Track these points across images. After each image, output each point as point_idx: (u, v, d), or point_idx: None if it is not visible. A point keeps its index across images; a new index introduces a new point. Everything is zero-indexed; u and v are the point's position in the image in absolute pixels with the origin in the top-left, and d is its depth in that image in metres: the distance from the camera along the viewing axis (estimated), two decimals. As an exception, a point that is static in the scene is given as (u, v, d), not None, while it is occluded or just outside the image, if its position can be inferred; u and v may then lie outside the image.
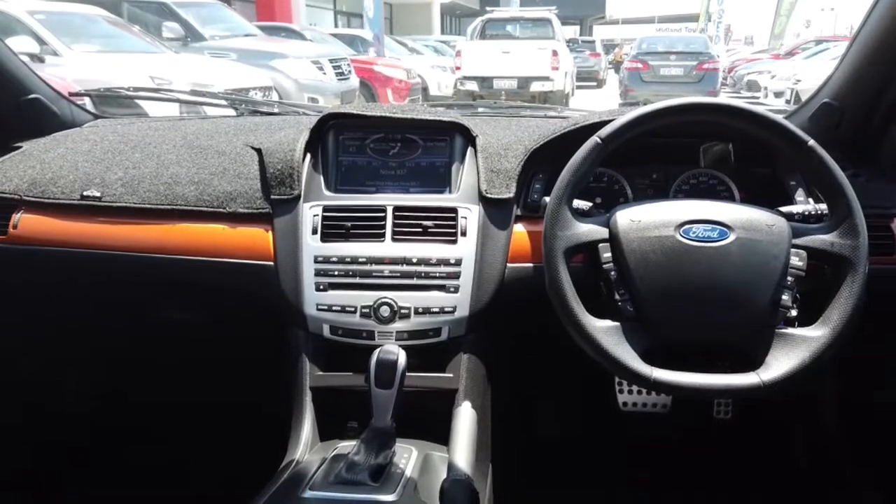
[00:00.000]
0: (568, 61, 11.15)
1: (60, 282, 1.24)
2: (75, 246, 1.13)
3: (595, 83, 18.72)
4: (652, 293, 0.90)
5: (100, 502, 0.95)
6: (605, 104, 12.35)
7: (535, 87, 10.13)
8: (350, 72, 8.49)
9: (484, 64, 10.22)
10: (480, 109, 1.56)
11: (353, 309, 1.03)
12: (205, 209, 1.11)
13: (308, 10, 18.12)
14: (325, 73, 7.82)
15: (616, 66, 22.02)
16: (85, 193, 1.13)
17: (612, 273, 0.93)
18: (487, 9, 12.51)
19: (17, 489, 1.18)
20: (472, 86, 10.29)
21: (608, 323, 0.92)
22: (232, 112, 1.73)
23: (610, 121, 0.96)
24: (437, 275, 1.04)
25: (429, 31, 22.44)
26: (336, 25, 20.25)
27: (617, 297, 0.92)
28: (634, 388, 1.49)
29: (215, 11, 8.64)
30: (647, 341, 0.91)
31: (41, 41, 4.92)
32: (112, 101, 1.50)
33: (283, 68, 7.34)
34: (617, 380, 1.51)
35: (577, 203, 0.99)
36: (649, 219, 0.93)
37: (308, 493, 0.85)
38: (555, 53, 10.16)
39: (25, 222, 1.15)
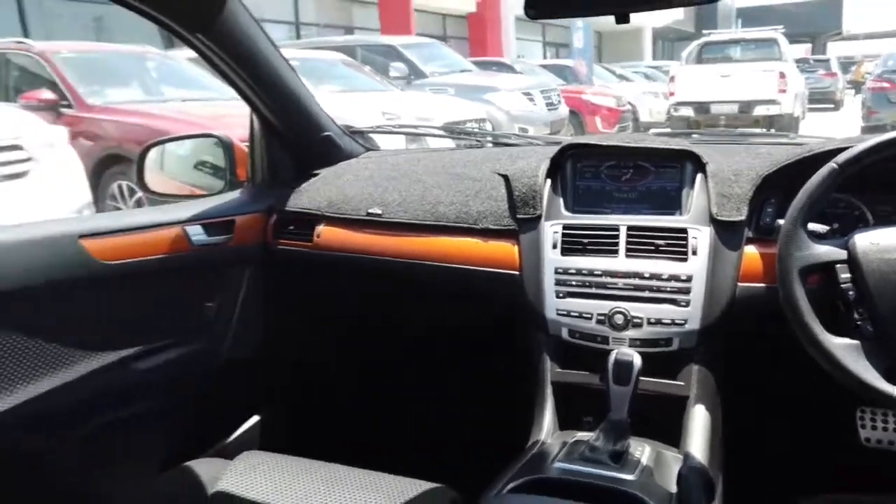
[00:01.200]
0: (797, 83, 10.24)
1: (350, 282, 1.50)
2: (361, 253, 1.37)
3: (831, 105, 16.93)
4: (893, 313, 0.89)
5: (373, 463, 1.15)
6: (842, 128, 11.13)
7: (759, 110, 9.45)
8: (560, 102, 8.64)
9: (701, 88, 9.77)
10: (708, 137, 1.58)
11: (589, 315, 1.12)
12: (461, 225, 1.28)
13: (517, 42, 18.74)
14: (535, 104, 8.04)
15: (856, 85, 19.74)
16: (370, 211, 1.37)
17: (851, 293, 0.93)
18: (704, 32, 11.94)
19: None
20: (688, 111, 9.88)
21: (846, 341, 0.92)
22: (452, 143, 1.88)
23: (847, 147, 0.96)
24: (668, 289, 1.09)
25: (640, 57, 21.97)
26: (545, 56, 20.66)
27: (856, 316, 0.92)
28: (879, 422, 1.37)
29: (435, 50, 9.30)
30: (889, 361, 0.90)
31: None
32: (361, 136, 1.75)
33: (496, 101, 7.68)
34: (859, 413, 1.40)
35: (813, 226, 1.00)
36: (891, 242, 0.92)
37: (557, 464, 0.95)
38: (782, 75, 9.42)
39: (325, 233, 1.42)
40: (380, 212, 1.36)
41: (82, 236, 1.20)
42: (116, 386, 1.27)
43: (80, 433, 1.25)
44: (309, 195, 1.46)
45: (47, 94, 4.87)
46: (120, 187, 4.65)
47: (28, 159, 3.70)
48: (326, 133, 1.54)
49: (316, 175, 1.52)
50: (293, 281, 1.55)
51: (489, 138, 1.74)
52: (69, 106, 4.89)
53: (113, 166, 4.66)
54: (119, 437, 1.30)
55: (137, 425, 1.33)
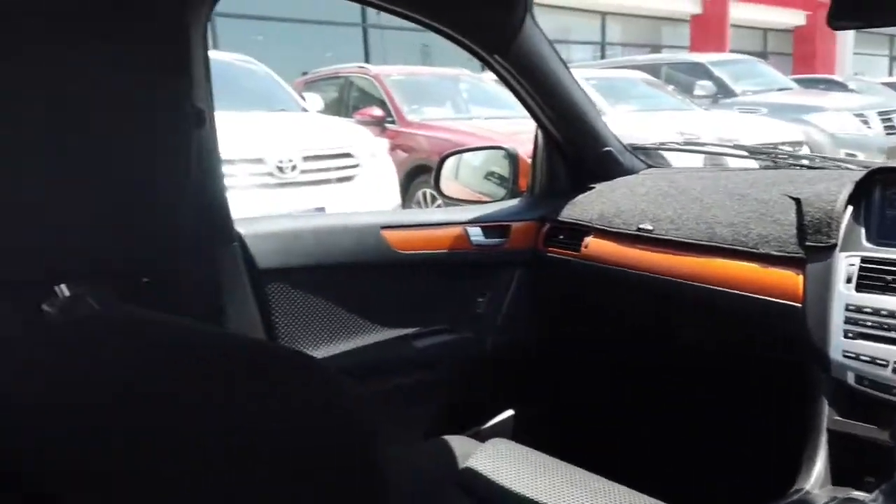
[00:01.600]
0: None
1: (612, 294, 1.51)
2: (626, 267, 1.36)
3: None
4: None
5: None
6: None
7: None
8: (905, 124, 7.32)
9: None
10: None
11: (884, 362, 0.96)
12: (739, 248, 1.19)
13: (856, 58, 16.39)
14: (870, 127, 6.94)
15: None
16: (640, 226, 1.35)
17: None
18: None
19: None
20: None
21: None
22: (755, 164, 1.71)
23: None
24: None
25: None
26: (891, 73, 17.71)
27: None
28: None
29: (750, 67, 8.62)
30: None
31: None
32: (644, 152, 1.72)
33: (818, 122, 6.81)
34: None
35: None
36: None
37: None
38: None
39: (592, 244, 1.44)
40: (651, 228, 1.33)
41: (384, 227, 1.42)
42: (398, 358, 1.45)
43: (366, 392, 1.44)
44: (582, 207, 1.50)
45: (377, 111, 5.66)
46: (424, 195, 5.18)
47: (356, 166, 4.35)
48: (607, 149, 1.57)
49: (592, 188, 1.55)
50: (558, 286, 1.59)
51: (804, 161, 1.55)
52: (392, 121, 5.61)
53: (421, 176, 5.22)
54: (393, 403, 1.46)
55: (409, 397, 1.49)
